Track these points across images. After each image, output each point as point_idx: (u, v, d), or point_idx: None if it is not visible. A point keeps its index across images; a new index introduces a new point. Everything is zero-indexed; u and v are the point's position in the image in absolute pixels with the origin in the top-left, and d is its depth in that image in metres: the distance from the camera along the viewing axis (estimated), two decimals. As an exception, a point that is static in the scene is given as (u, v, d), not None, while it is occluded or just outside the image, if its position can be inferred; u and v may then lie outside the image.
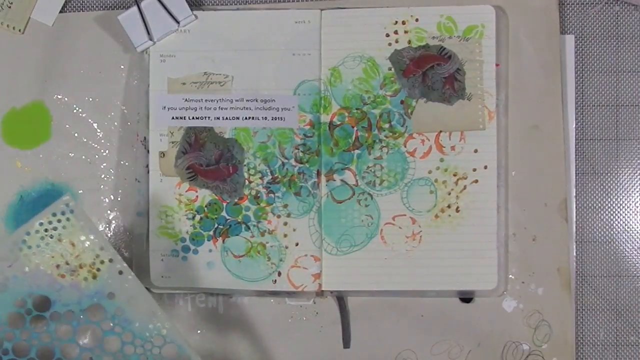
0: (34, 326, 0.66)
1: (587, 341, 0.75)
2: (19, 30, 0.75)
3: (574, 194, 0.75)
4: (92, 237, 0.66)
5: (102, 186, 0.75)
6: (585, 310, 0.75)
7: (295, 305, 0.75)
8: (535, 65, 0.74)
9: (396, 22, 0.74)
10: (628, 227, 0.75)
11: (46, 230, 0.66)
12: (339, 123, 0.74)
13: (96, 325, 0.66)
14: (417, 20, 0.74)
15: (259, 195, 0.74)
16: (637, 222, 0.75)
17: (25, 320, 0.66)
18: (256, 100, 0.74)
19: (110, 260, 0.66)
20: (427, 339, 0.74)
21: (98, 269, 0.66)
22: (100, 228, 0.75)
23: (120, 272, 0.66)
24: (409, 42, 0.74)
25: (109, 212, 0.75)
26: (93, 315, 0.66)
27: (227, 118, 0.74)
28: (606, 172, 0.75)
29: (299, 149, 0.74)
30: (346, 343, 0.75)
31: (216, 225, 0.74)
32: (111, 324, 0.66)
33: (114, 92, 0.75)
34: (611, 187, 0.75)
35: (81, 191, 0.75)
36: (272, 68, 0.74)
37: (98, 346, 0.66)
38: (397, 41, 0.74)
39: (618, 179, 0.75)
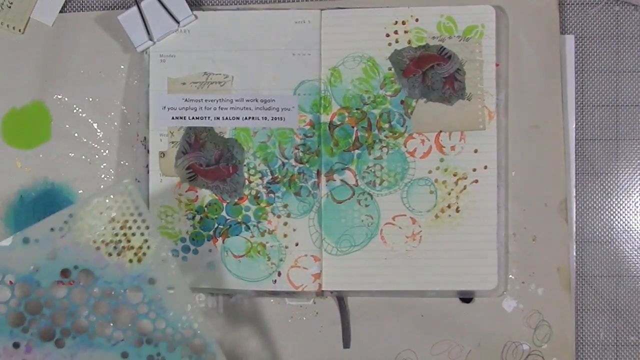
0: (74, 298, 0.68)
1: (587, 341, 0.75)
2: (19, 30, 0.75)
3: (574, 194, 0.75)
4: (143, 222, 0.68)
5: (102, 186, 0.75)
6: (585, 310, 0.75)
7: (295, 305, 0.75)
8: (535, 65, 0.74)
9: (396, 22, 0.74)
10: (628, 227, 0.75)
11: (102, 208, 0.67)
12: (339, 123, 0.74)
13: (133, 307, 0.68)
14: (417, 20, 0.74)
15: (259, 195, 0.74)
16: (637, 222, 0.75)
17: (68, 292, 0.67)
18: (256, 100, 0.74)
19: (157, 247, 0.68)
20: (427, 339, 0.74)
21: (144, 254, 0.68)
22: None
23: (164, 261, 0.68)
24: (409, 42, 0.74)
25: (109, 212, 0.75)
26: (131, 297, 0.68)
27: (227, 118, 0.74)
28: (606, 172, 0.75)
29: (299, 149, 0.74)
30: (346, 343, 0.75)
31: (216, 225, 0.74)
32: (147, 309, 0.68)
33: (114, 92, 0.75)
34: (611, 187, 0.75)
35: (81, 191, 0.75)
36: (272, 68, 0.74)
37: (130, 328, 0.68)
38: (397, 41, 0.74)
39: (618, 179, 0.75)
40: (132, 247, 0.68)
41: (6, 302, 0.67)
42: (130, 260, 0.68)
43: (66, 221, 0.67)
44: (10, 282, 0.67)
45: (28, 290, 0.67)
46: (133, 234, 0.68)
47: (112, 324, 0.68)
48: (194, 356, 0.67)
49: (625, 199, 0.75)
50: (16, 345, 0.67)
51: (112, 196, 0.68)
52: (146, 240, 0.68)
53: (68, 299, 0.68)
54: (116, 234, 0.68)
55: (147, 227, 0.68)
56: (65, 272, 0.67)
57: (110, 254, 0.68)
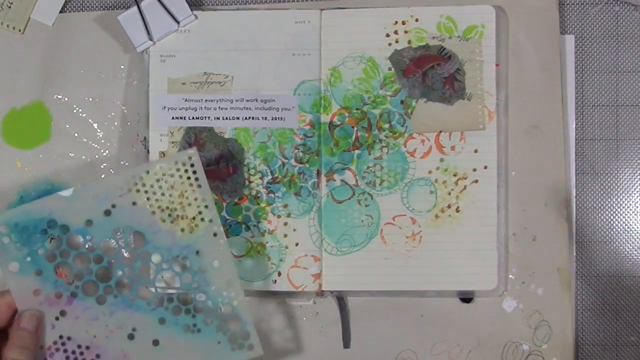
0: (122, 258, 0.68)
1: (587, 341, 0.75)
2: (19, 30, 0.75)
3: (574, 194, 0.75)
4: (201, 195, 0.68)
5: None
6: (585, 310, 0.75)
7: (295, 305, 0.75)
8: (535, 65, 0.74)
9: (396, 22, 0.74)
10: (628, 227, 0.75)
11: (164, 174, 0.68)
12: (339, 123, 0.74)
13: (178, 276, 0.68)
14: (417, 20, 0.74)
15: (259, 195, 0.74)
16: (637, 222, 0.75)
17: (117, 251, 0.68)
18: (256, 100, 0.74)
19: (210, 221, 0.68)
20: (427, 339, 0.74)
21: (196, 225, 0.68)
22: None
23: (215, 235, 0.68)
24: (409, 42, 0.74)
25: (109, 212, 0.75)
26: (177, 266, 0.68)
27: (227, 118, 0.74)
28: (606, 172, 0.75)
29: (299, 149, 0.74)
30: (346, 343, 0.75)
31: (216, 225, 0.74)
32: (190, 279, 0.68)
33: (114, 92, 0.75)
34: (611, 187, 0.75)
35: (81, 191, 0.75)
36: (272, 68, 0.74)
37: (172, 296, 0.68)
38: (397, 41, 0.74)
39: (618, 179, 0.75)
40: (186, 217, 0.68)
41: (56, 252, 0.67)
42: (182, 230, 0.68)
43: (126, 182, 0.68)
44: (62, 233, 0.67)
45: (79, 243, 0.68)
46: (189, 204, 0.68)
47: (154, 289, 0.68)
48: (229, 333, 0.68)
49: (625, 199, 0.75)
50: (58, 296, 0.67)
51: (175, 164, 0.68)
52: (200, 212, 0.68)
53: (116, 258, 0.68)
54: (172, 202, 0.68)
55: (204, 200, 0.68)
56: (117, 231, 0.68)
57: (164, 220, 0.68)
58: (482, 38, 0.74)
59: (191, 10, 0.74)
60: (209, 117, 0.74)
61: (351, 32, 0.74)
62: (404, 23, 0.74)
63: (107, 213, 0.68)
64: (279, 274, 0.74)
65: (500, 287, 0.74)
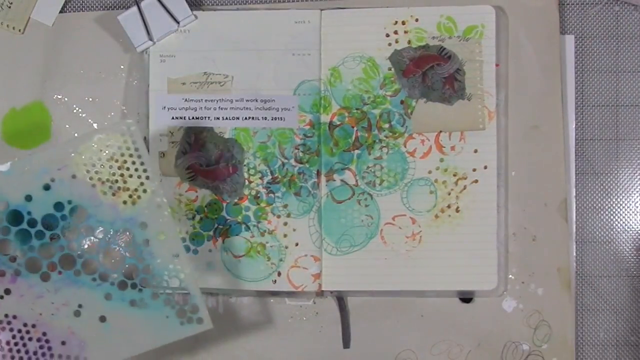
0: (64, 233, 0.67)
1: (587, 341, 0.75)
2: (19, 30, 0.75)
3: (574, 194, 0.75)
4: (142, 165, 0.67)
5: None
6: (585, 310, 0.75)
7: (295, 305, 0.75)
8: (535, 65, 0.74)
9: (396, 22, 0.74)
10: (628, 227, 0.75)
11: (102, 145, 0.67)
12: (339, 123, 0.74)
13: (122, 249, 0.67)
14: (417, 20, 0.74)
15: (259, 195, 0.74)
16: (637, 222, 0.75)
17: (59, 225, 0.67)
18: (256, 100, 0.74)
19: (152, 192, 0.67)
20: (427, 339, 0.74)
21: (139, 197, 0.67)
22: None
23: (159, 207, 0.67)
24: (409, 42, 0.74)
25: (109, 212, 0.75)
26: (121, 240, 0.67)
27: (227, 118, 0.74)
28: (606, 172, 0.75)
29: (299, 149, 0.74)
30: (346, 343, 0.75)
31: (216, 225, 0.74)
32: (135, 253, 0.67)
33: (114, 92, 0.75)
34: (611, 187, 0.75)
35: (81, 191, 0.75)
36: (272, 68, 0.74)
37: (117, 270, 0.67)
38: (397, 41, 0.74)
39: (618, 179, 0.75)
40: (128, 189, 0.67)
41: None
42: (125, 202, 0.67)
43: (64, 154, 0.66)
44: (2, 209, 0.66)
45: (19, 218, 0.67)
46: (130, 176, 0.67)
47: (98, 264, 0.67)
48: (177, 307, 0.67)
49: (625, 199, 0.75)
50: (2, 274, 0.67)
51: (113, 134, 0.66)
52: (142, 184, 0.67)
53: (58, 233, 0.67)
54: (113, 174, 0.67)
55: (145, 171, 0.67)
56: (58, 206, 0.67)
57: (105, 193, 0.67)
58: (482, 38, 0.74)
59: (191, 10, 0.74)
60: (209, 117, 0.74)
61: (351, 32, 0.74)
62: (404, 23, 0.74)
63: (47, 187, 0.66)
64: (279, 274, 0.74)
65: (500, 287, 0.74)
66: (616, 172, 0.75)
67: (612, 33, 0.75)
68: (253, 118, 0.74)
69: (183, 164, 0.74)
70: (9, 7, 0.75)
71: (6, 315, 0.67)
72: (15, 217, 0.67)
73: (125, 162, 0.67)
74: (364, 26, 0.74)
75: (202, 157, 0.74)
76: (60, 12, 0.76)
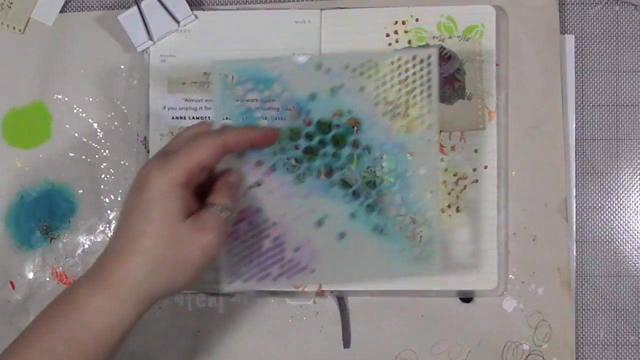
0: (332, 141, 0.66)
1: (587, 341, 0.75)
2: (19, 30, 0.75)
3: (574, 194, 0.75)
4: (429, 97, 0.65)
5: (102, 186, 0.75)
6: (585, 310, 0.75)
7: (295, 305, 0.75)
8: (535, 65, 0.74)
9: (396, 22, 0.74)
10: (628, 227, 0.75)
11: (399, 66, 0.65)
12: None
13: (382, 173, 0.67)
14: (417, 20, 0.74)
15: (259, 195, 0.74)
16: (637, 222, 0.75)
17: (330, 132, 0.66)
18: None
19: (429, 126, 0.65)
20: (427, 339, 0.74)
21: (415, 127, 0.65)
22: (100, 228, 0.75)
23: (429, 141, 0.65)
24: (409, 42, 0.74)
25: (109, 212, 0.75)
26: (385, 163, 0.67)
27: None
28: (606, 172, 0.75)
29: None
30: (346, 343, 0.75)
31: (216, 225, 0.74)
32: (393, 180, 0.67)
33: (114, 92, 0.75)
34: (611, 187, 0.75)
35: (81, 191, 0.75)
36: (272, 68, 0.74)
37: (370, 193, 0.66)
38: (397, 41, 0.74)
39: (618, 179, 0.75)
40: (408, 116, 0.65)
41: (271, 119, 0.66)
42: (400, 128, 0.66)
43: (362, 64, 0.65)
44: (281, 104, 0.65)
45: (296, 114, 0.66)
46: (414, 104, 0.65)
47: (355, 182, 0.66)
48: (415, 244, 0.66)
49: (625, 199, 0.75)
50: (259, 163, 0.64)
51: (413, 58, 0.65)
52: (422, 115, 0.65)
53: (325, 140, 0.66)
54: (399, 97, 0.65)
55: (430, 103, 0.65)
56: (337, 113, 0.65)
57: (384, 114, 0.65)
58: (482, 38, 0.74)
59: (191, 10, 0.74)
60: (209, 117, 0.74)
61: (351, 32, 0.74)
62: (404, 23, 0.74)
63: (334, 91, 0.65)
64: (279, 274, 0.74)
65: (500, 287, 0.74)
66: (616, 172, 0.75)
67: (612, 33, 0.75)
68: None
69: (183, 164, 0.74)
70: (9, 7, 0.75)
71: (249, 207, 0.64)
72: (294, 112, 0.65)
73: (414, 88, 0.65)
74: (364, 26, 0.74)
75: (202, 157, 0.74)
76: (60, 12, 0.76)
